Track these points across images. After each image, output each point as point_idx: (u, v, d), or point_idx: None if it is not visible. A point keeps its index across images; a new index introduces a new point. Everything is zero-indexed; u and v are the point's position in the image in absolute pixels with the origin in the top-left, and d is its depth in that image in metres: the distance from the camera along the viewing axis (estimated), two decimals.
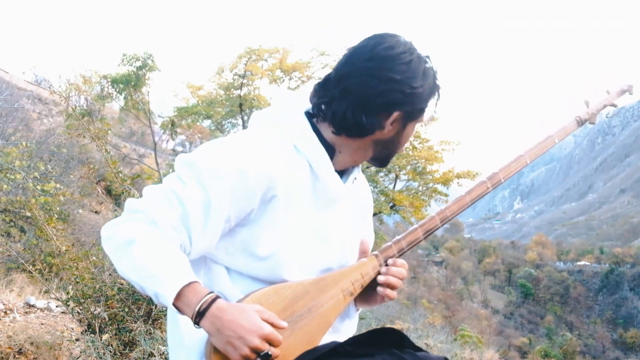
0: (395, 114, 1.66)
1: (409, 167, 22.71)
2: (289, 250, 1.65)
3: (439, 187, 22.24)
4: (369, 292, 1.82)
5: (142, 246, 1.50)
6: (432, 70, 1.70)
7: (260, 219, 1.63)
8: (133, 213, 1.56)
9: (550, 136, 1.99)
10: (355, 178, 1.81)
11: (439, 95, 1.73)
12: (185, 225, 1.55)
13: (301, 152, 1.67)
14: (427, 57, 1.71)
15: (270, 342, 1.46)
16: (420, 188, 22.98)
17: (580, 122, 2.07)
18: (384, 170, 23.08)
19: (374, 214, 22.40)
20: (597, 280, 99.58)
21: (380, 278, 1.76)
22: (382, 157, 1.77)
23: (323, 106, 1.69)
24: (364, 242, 1.81)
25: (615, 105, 2.15)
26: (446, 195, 22.02)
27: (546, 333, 74.65)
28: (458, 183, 21.37)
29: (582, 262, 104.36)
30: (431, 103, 1.71)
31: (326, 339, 1.72)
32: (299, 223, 1.67)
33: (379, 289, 1.76)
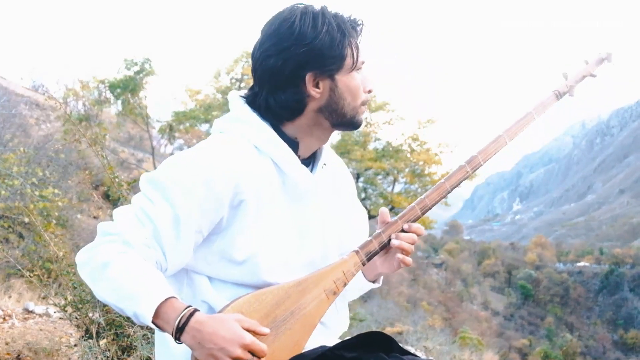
0: (308, 76, 1.66)
1: (407, 170, 22.76)
2: (267, 251, 1.66)
3: None
4: (384, 259, 1.85)
5: (117, 268, 1.50)
6: (326, 17, 1.66)
7: (232, 224, 1.64)
8: (106, 236, 1.58)
9: (529, 113, 1.93)
10: (325, 164, 1.81)
11: (354, 34, 1.70)
12: (158, 242, 1.56)
13: (263, 151, 1.68)
14: (323, 7, 1.68)
15: (253, 352, 1.46)
16: (418, 190, 23.01)
17: (559, 95, 2.00)
18: (383, 173, 23.11)
19: (373, 217, 22.48)
20: (597, 281, 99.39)
21: (395, 242, 1.76)
22: (340, 121, 1.73)
23: (259, 104, 1.71)
24: (383, 213, 1.81)
25: (594, 76, 2.06)
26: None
27: (546, 334, 74.45)
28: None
29: (582, 263, 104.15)
30: (346, 44, 1.67)
31: (315, 334, 1.72)
32: (274, 222, 1.68)
33: (398, 255, 1.78)
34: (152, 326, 1.49)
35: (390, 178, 23.78)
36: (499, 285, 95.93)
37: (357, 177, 23.12)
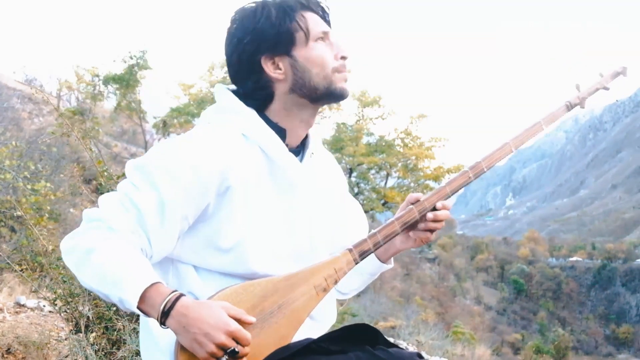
0: (263, 59, 1.70)
1: (400, 165, 22.76)
2: (253, 239, 1.65)
3: (431, 183, 22.26)
4: (406, 236, 1.88)
5: (102, 254, 1.49)
6: (265, 4, 1.71)
7: (219, 211, 1.63)
8: (90, 222, 1.57)
9: (538, 122, 1.91)
10: (313, 153, 1.81)
11: (299, 8, 1.72)
12: (143, 228, 1.55)
13: (250, 139, 1.68)
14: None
15: (237, 339, 1.45)
16: (411, 185, 23.03)
17: (570, 107, 1.99)
18: (375, 167, 23.13)
19: (366, 211, 22.52)
20: (590, 276, 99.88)
21: (429, 215, 1.80)
22: (315, 94, 1.73)
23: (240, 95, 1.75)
24: (411, 197, 1.85)
25: (607, 89, 2.05)
26: None
27: (539, 329, 74.76)
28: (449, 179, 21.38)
29: (575, 258, 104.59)
30: (290, 20, 1.70)
31: (303, 328, 1.70)
32: (261, 210, 1.67)
33: (420, 234, 1.84)
34: (137, 312, 1.48)
35: (383, 173, 23.79)
36: (492, 280, 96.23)
37: (349, 172, 23.14)
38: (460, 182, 1.85)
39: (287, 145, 1.73)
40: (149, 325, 1.68)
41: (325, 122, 25.41)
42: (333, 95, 1.75)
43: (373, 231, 1.78)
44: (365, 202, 22.48)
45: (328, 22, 1.78)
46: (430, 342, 11.32)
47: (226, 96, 1.75)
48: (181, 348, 1.49)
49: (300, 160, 1.77)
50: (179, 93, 27.72)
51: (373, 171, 23.66)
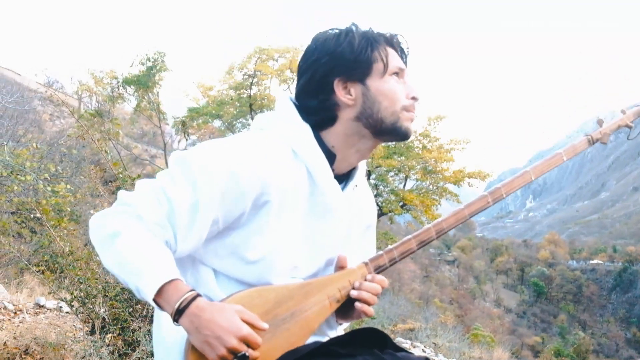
0: (336, 82, 1.67)
1: (419, 167, 22.65)
2: (279, 256, 1.63)
3: (450, 186, 22.14)
4: (347, 307, 1.75)
5: (127, 240, 1.50)
6: (349, 30, 1.70)
7: (251, 223, 1.61)
8: (122, 206, 1.56)
9: (559, 153, 1.95)
10: (357, 185, 1.78)
11: (382, 41, 1.71)
12: (171, 223, 1.54)
13: (299, 156, 1.65)
14: (351, 25, 1.73)
15: (248, 344, 1.46)
16: (430, 187, 22.91)
17: (592, 141, 2.04)
18: (394, 170, 23.07)
19: (385, 214, 22.48)
20: (610, 279, 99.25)
21: (353, 292, 1.70)
22: (380, 127, 1.70)
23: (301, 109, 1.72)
24: (341, 259, 1.75)
25: (630, 127, 2.10)
26: (456, 195, 21.85)
27: (559, 332, 74.40)
28: (469, 183, 21.26)
29: (595, 261, 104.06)
30: (372, 50, 1.69)
31: (310, 339, 1.69)
32: (292, 229, 1.65)
33: (357, 304, 1.70)
34: (152, 303, 1.49)
35: (402, 175, 23.68)
36: (512, 282, 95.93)
37: (368, 174, 23.08)
38: (478, 206, 1.84)
39: (333, 170, 1.70)
40: (160, 322, 1.69)
41: None
42: (397, 133, 1.71)
43: (390, 247, 1.76)
44: (384, 204, 22.37)
45: (405, 63, 1.77)
46: (447, 345, 11.28)
47: (287, 106, 1.73)
48: (192, 348, 1.49)
49: (342, 189, 1.75)
50: (198, 95, 27.74)
51: (392, 173, 23.58)
